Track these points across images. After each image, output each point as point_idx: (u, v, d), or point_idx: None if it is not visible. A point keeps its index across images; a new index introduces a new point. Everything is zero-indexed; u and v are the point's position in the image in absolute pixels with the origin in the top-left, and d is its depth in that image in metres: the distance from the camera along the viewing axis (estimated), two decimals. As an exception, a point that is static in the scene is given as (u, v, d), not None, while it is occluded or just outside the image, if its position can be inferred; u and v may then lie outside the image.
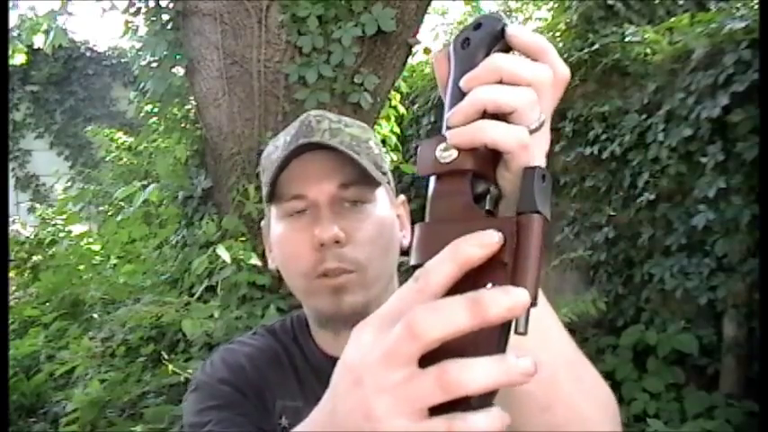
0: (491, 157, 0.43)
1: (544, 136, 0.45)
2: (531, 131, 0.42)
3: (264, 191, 0.83)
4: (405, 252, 0.91)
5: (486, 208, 0.42)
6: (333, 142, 0.78)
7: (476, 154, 0.42)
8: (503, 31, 0.44)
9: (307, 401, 0.81)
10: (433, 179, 0.43)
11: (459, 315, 0.35)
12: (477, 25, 0.45)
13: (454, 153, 0.42)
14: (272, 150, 0.84)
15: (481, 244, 0.37)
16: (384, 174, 0.83)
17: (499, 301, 0.35)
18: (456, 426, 0.35)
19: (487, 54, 0.44)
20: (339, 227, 0.76)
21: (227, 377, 0.83)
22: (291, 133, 0.82)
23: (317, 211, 0.77)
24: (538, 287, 0.38)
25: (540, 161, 0.44)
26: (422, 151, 0.44)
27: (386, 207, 0.82)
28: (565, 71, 0.46)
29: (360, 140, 0.82)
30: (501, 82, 0.42)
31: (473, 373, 0.35)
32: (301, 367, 0.85)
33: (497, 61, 0.42)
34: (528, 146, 0.42)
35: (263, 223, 0.90)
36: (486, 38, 0.44)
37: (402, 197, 0.90)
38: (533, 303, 0.37)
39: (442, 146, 0.42)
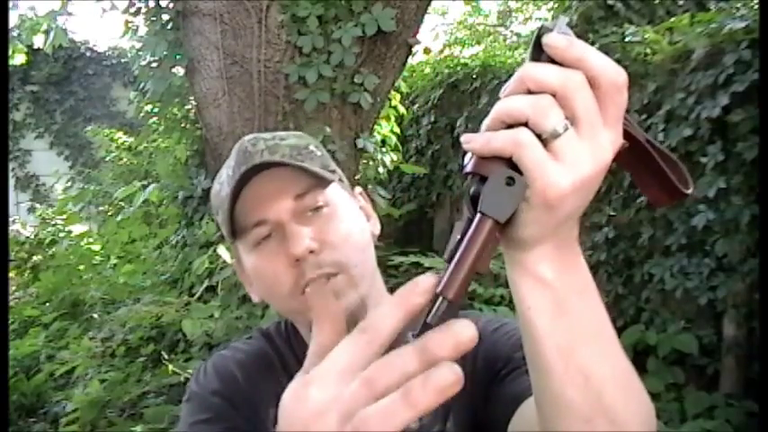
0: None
1: (586, 142, 0.43)
2: (547, 137, 0.42)
3: (224, 229, 0.82)
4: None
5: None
6: (273, 158, 0.78)
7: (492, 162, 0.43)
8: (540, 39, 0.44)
9: None
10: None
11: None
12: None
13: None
14: (219, 188, 0.83)
15: (423, 292, 0.38)
16: (333, 171, 0.83)
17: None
18: None
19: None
20: (309, 237, 0.76)
21: (218, 389, 0.83)
22: (231, 165, 0.81)
23: (283, 230, 0.76)
24: (464, 285, 0.39)
25: (578, 169, 0.43)
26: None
27: (346, 203, 0.82)
28: (613, 75, 0.44)
29: (299, 148, 0.81)
30: (530, 91, 0.43)
31: None
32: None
33: (523, 71, 0.43)
34: (526, 146, 0.42)
35: (233, 262, 0.90)
36: (531, 49, 0.45)
37: (359, 188, 0.89)
38: (452, 300, 0.39)
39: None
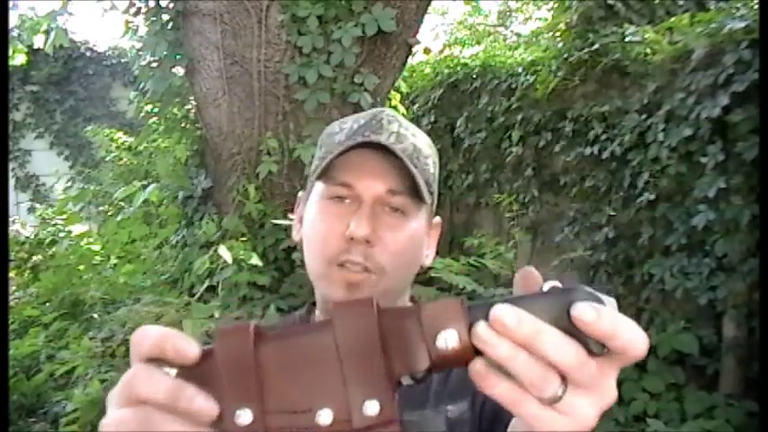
0: None
1: (566, 417, 0.42)
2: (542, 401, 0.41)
3: (315, 165, 0.83)
4: (422, 272, 0.92)
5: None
6: (396, 147, 0.78)
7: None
8: (569, 307, 0.42)
9: None
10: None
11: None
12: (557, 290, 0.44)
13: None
14: (336, 131, 0.84)
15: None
16: (431, 194, 0.83)
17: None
18: None
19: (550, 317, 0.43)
20: (373, 228, 0.76)
21: None
22: (360, 123, 0.82)
23: (358, 206, 0.78)
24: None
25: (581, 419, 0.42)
26: None
27: (422, 224, 0.83)
28: (640, 349, 0.40)
29: (421, 154, 0.82)
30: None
31: None
32: None
33: (545, 339, 0.41)
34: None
35: (300, 193, 0.90)
36: (551, 308, 0.43)
37: (438, 219, 0.90)
38: None
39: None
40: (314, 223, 0.81)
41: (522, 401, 0.41)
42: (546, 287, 0.45)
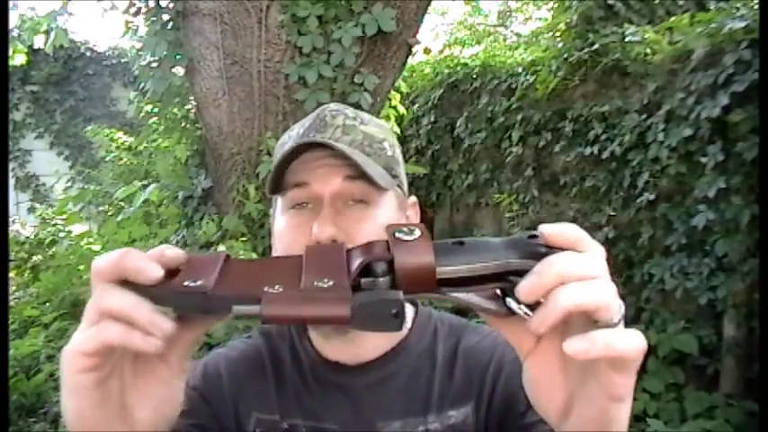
0: None
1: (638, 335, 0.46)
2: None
3: (269, 180, 0.82)
4: None
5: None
6: (343, 141, 0.76)
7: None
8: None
9: (285, 415, 0.79)
10: None
11: None
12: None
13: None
14: (286, 140, 0.83)
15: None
16: (395, 176, 0.81)
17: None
18: None
19: None
20: (338, 226, 0.74)
21: (198, 385, 0.82)
22: (305, 125, 0.81)
23: (319, 207, 0.75)
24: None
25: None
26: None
27: (391, 211, 0.79)
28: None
29: (373, 140, 0.79)
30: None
31: None
32: (289, 377, 0.83)
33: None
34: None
35: (271, 211, 0.89)
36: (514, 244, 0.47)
37: (413, 198, 0.87)
38: None
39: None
40: (280, 237, 0.80)
41: (621, 334, 0.44)
42: None
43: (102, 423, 0.47)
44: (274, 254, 0.86)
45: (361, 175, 0.75)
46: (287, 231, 0.78)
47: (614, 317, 0.44)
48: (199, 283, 0.43)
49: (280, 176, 0.77)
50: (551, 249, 0.44)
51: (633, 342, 0.44)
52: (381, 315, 0.41)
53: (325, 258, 0.45)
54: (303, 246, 0.73)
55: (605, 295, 0.44)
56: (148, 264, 0.45)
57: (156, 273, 0.45)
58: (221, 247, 2.66)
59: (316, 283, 0.42)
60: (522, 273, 0.43)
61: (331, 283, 0.42)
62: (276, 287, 0.42)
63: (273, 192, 0.79)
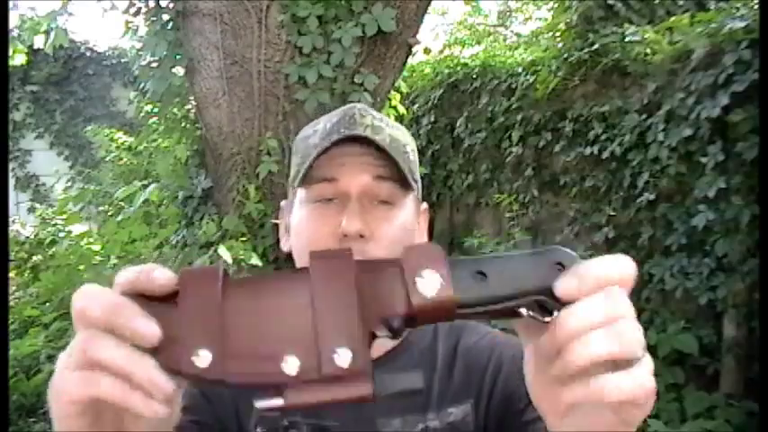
0: None
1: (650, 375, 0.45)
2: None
3: (294, 172, 0.81)
4: None
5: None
6: (375, 138, 0.77)
7: None
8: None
9: (286, 412, 0.79)
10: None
11: None
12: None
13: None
14: (310, 134, 0.82)
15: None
16: (416, 181, 0.82)
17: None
18: None
19: None
20: (365, 222, 0.75)
21: None
22: (333, 121, 0.80)
23: (346, 202, 0.76)
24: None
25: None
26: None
27: (411, 212, 0.81)
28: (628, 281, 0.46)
29: (399, 143, 0.80)
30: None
31: None
32: None
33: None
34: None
35: (283, 203, 0.89)
36: (538, 265, 0.45)
37: (425, 205, 0.89)
38: None
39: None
40: (302, 229, 0.79)
41: (633, 379, 0.41)
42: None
43: None
44: (284, 245, 0.86)
45: (389, 175, 0.76)
46: (311, 224, 0.78)
47: (638, 354, 0.42)
48: (207, 358, 0.39)
49: (309, 169, 0.77)
50: None
51: (642, 386, 0.42)
52: (405, 388, 0.43)
53: (336, 300, 0.41)
54: (328, 238, 0.75)
55: (634, 345, 0.42)
56: (148, 327, 0.40)
57: (154, 339, 0.40)
58: (221, 248, 2.66)
59: (334, 358, 0.40)
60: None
61: (350, 356, 0.40)
62: (291, 361, 0.40)
63: (299, 183, 0.79)
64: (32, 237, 5.03)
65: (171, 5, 3.15)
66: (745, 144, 2.90)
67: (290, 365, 0.40)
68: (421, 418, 0.78)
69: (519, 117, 4.43)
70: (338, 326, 0.40)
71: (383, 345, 0.82)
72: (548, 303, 0.42)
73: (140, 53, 3.27)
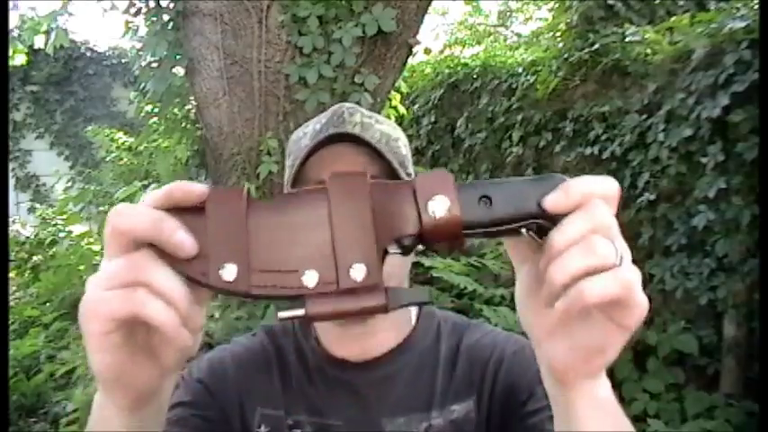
0: None
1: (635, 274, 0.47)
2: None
3: (288, 174, 0.82)
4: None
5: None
6: (364, 136, 0.77)
7: None
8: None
9: (290, 411, 0.80)
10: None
11: None
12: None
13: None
14: (301, 136, 0.83)
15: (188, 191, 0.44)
16: (409, 175, 0.82)
17: None
18: None
19: None
20: None
21: (203, 377, 0.82)
22: (322, 122, 0.81)
23: None
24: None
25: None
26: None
27: None
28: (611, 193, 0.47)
29: (389, 138, 0.81)
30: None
31: None
32: (294, 373, 0.83)
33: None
34: (634, 287, 0.46)
35: None
36: (539, 187, 0.46)
37: None
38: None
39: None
40: None
41: (635, 286, 0.44)
42: None
43: (135, 369, 0.46)
44: None
45: (381, 172, 0.76)
46: None
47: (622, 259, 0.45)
48: (233, 271, 0.42)
49: (298, 172, 0.77)
50: None
51: (623, 283, 0.44)
52: (412, 301, 0.45)
53: (352, 217, 0.44)
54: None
55: (609, 254, 0.44)
56: (187, 240, 0.43)
57: (193, 251, 0.43)
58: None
59: (351, 273, 0.43)
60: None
61: (364, 270, 0.43)
62: (311, 275, 0.43)
63: (292, 185, 0.80)
64: (33, 237, 5.03)
65: (171, 5, 3.15)
66: (746, 144, 2.90)
67: (310, 279, 0.43)
68: (425, 416, 0.78)
69: (519, 117, 4.43)
70: (354, 242, 0.44)
71: (385, 344, 0.83)
72: (545, 225, 0.45)
73: (140, 53, 3.27)
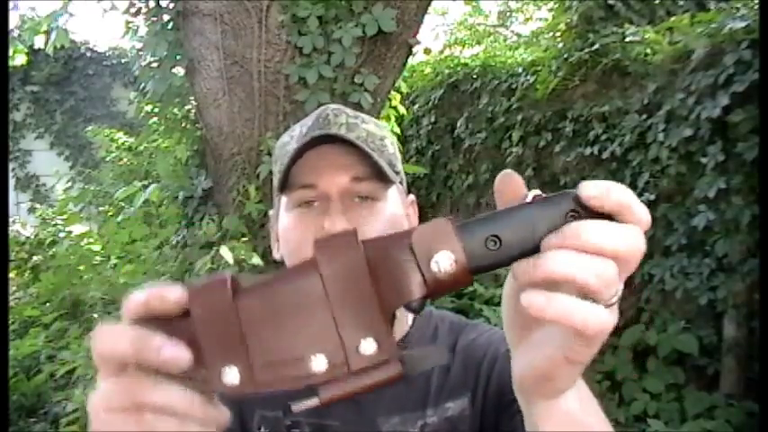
0: None
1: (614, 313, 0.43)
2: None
3: (276, 179, 0.82)
4: None
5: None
6: (349, 137, 0.77)
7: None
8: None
9: (288, 413, 0.80)
10: None
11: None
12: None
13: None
14: (287, 140, 0.84)
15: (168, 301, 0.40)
16: (397, 173, 0.82)
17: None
18: None
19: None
20: (348, 221, 0.75)
21: None
22: (308, 125, 0.81)
23: (327, 204, 0.76)
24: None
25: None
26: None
27: (397, 206, 0.81)
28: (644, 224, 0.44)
29: (375, 137, 0.81)
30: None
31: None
32: None
33: (581, 230, 0.41)
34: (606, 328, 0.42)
35: (271, 212, 0.90)
36: (551, 213, 0.42)
37: (412, 197, 0.89)
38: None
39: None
40: (288, 236, 0.80)
41: (590, 310, 0.39)
42: (530, 196, 0.44)
43: None
44: (276, 253, 0.87)
45: (368, 173, 0.77)
46: (295, 229, 0.79)
47: (610, 299, 0.40)
48: (235, 374, 0.39)
49: (287, 175, 0.77)
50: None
51: (597, 319, 0.39)
52: (430, 364, 0.42)
53: (350, 290, 0.40)
54: (312, 241, 0.74)
55: (606, 278, 0.39)
56: (178, 354, 0.39)
57: (186, 364, 0.39)
58: (224, 248, 2.66)
59: (360, 350, 0.40)
60: None
61: (375, 345, 0.40)
62: (319, 360, 0.40)
63: (280, 190, 0.80)
64: (33, 237, 5.03)
65: (171, 5, 3.15)
66: (746, 144, 2.90)
67: (318, 364, 0.40)
68: (420, 414, 0.79)
69: (519, 117, 4.43)
70: (358, 316, 0.40)
71: None
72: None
73: (140, 53, 3.27)
